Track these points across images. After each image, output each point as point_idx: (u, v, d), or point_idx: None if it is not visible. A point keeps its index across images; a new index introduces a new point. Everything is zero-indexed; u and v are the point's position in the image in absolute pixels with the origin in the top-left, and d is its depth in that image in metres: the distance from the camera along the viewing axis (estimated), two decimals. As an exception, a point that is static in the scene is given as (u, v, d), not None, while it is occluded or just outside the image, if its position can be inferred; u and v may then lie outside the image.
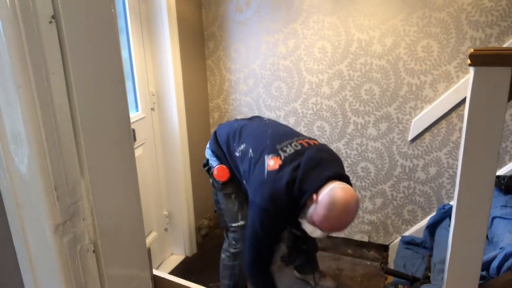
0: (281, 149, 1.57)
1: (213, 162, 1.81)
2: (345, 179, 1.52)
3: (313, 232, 1.51)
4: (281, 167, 1.51)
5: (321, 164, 1.52)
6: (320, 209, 1.43)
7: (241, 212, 1.81)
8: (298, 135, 1.68)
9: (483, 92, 0.93)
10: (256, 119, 1.87)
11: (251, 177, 1.60)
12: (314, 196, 1.44)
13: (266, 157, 1.56)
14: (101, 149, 0.58)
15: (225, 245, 1.91)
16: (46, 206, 0.52)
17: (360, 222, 2.45)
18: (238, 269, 1.88)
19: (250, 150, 1.63)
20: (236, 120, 1.90)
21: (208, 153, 1.85)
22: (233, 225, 1.82)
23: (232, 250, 1.86)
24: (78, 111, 0.53)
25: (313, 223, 1.49)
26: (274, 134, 1.65)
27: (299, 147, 1.58)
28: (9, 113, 0.49)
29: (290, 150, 1.56)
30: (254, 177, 1.59)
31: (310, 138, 1.68)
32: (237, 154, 1.69)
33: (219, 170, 1.76)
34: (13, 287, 0.60)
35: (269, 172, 1.53)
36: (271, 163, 1.53)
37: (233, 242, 1.85)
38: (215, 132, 1.86)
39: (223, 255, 1.92)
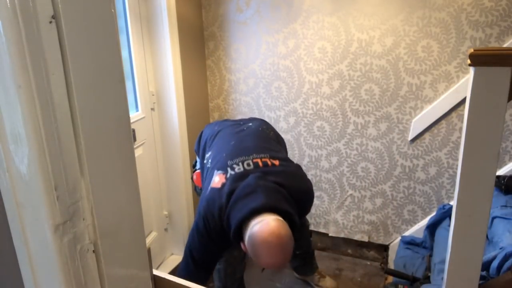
0: (231, 166, 1.42)
1: (197, 164, 1.77)
2: (284, 212, 1.29)
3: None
4: (223, 186, 1.37)
5: (254, 192, 1.30)
6: (247, 244, 1.25)
7: None
8: (261, 151, 1.49)
9: (483, 92, 0.93)
10: (234, 126, 1.73)
11: (203, 189, 1.52)
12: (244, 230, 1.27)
13: (215, 172, 1.44)
14: (101, 149, 0.58)
15: None
16: (46, 206, 0.52)
17: (360, 222, 2.45)
18: (223, 273, 1.83)
19: (210, 160, 1.54)
20: (222, 122, 1.83)
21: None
22: None
23: None
24: (78, 111, 0.53)
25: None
26: (233, 147, 1.51)
27: (250, 166, 1.40)
28: (9, 113, 0.49)
29: (238, 169, 1.40)
30: (203, 190, 1.49)
31: (274, 158, 1.47)
32: (204, 160, 1.62)
33: (198, 176, 1.72)
34: (13, 287, 0.60)
35: (212, 189, 1.39)
36: (216, 179, 1.40)
37: None
38: (201, 132, 1.84)
39: None
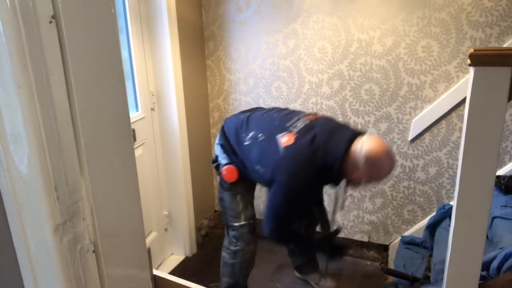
0: (291, 126, 1.58)
1: (223, 159, 1.79)
2: (362, 134, 1.53)
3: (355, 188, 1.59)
4: (297, 140, 1.52)
5: (335, 131, 1.53)
6: (363, 167, 1.43)
7: (244, 213, 1.82)
8: (302, 112, 1.71)
9: (483, 92, 0.93)
10: (259, 109, 1.88)
11: (264, 159, 1.60)
12: (348, 161, 1.46)
13: (278, 136, 1.57)
14: (101, 149, 0.58)
15: (225, 242, 1.91)
16: (46, 206, 0.52)
17: (360, 222, 2.45)
18: (238, 267, 1.88)
19: (260, 134, 1.63)
20: (241, 112, 1.90)
21: (217, 149, 1.83)
22: (235, 224, 1.83)
23: (232, 248, 1.86)
24: (78, 111, 0.53)
25: (357, 184, 1.53)
26: (281, 116, 1.67)
27: (308, 121, 1.59)
28: (9, 113, 0.49)
29: (300, 124, 1.57)
30: (268, 158, 1.58)
31: (314, 114, 1.70)
32: (246, 143, 1.68)
33: (228, 171, 1.76)
34: (13, 287, 0.59)
35: (286, 148, 1.52)
36: (285, 139, 1.54)
37: (234, 240, 1.85)
38: (222, 126, 1.85)
39: (223, 253, 1.92)
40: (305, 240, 1.91)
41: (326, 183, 1.65)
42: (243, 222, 1.81)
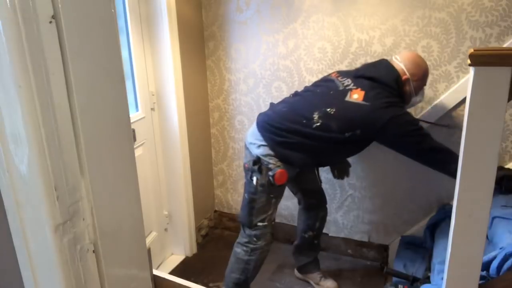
0: (345, 86, 1.73)
1: (271, 163, 1.76)
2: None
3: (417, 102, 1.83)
4: (364, 89, 1.67)
5: (372, 67, 1.79)
6: (412, 69, 1.73)
7: (272, 215, 1.85)
8: (325, 79, 1.89)
9: (483, 92, 0.93)
10: (284, 101, 1.93)
11: (351, 124, 1.67)
12: (404, 76, 1.72)
13: (347, 99, 1.68)
14: (101, 149, 0.58)
15: (242, 239, 1.90)
16: (46, 206, 0.52)
17: (360, 222, 2.45)
18: (253, 264, 1.88)
19: (328, 109, 1.69)
20: (270, 109, 1.89)
21: (262, 150, 1.78)
22: (259, 224, 1.83)
23: (251, 246, 1.86)
24: (78, 111, 0.53)
25: (420, 89, 1.79)
26: (321, 89, 1.80)
27: (346, 75, 1.80)
28: (9, 113, 0.49)
29: (347, 81, 1.75)
30: (355, 120, 1.66)
31: (328, 74, 1.91)
32: (317, 124, 1.70)
33: (281, 175, 1.74)
34: (13, 287, 0.60)
35: (366, 100, 1.64)
36: (356, 96, 1.67)
37: (254, 238, 1.85)
38: (266, 126, 1.80)
39: (238, 249, 1.91)
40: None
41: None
42: (267, 223, 1.84)
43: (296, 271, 2.30)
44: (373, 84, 1.69)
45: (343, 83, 1.75)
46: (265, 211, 1.82)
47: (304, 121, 1.71)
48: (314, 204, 2.17)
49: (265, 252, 1.89)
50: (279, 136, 1.75)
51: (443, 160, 1.68)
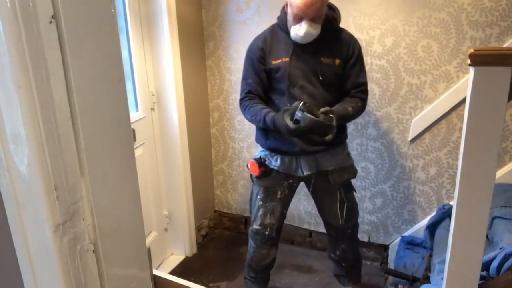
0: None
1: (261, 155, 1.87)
2: None
3: (299, 30, 1.64)
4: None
5: None
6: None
7: (265, 219, 1.88)
8: None
9: (483, 92, 0.93)
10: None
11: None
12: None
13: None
14: (101, 149, 0.58)
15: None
16: (46, 206, 0.52)
17: (360, 222, 2.44)
18: (249, 257, 2.00)
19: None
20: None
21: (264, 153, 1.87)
22: (254, 226, 1.91)
23: (250, 241, 1.98)
24: (78, 111, 0.53)
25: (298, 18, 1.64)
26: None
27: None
28: (9, 113, 0.49)
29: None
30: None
31: None
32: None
33: (252, 165, 1.81)
34: (13, 287, 0.60)
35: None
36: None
37: (250, 238, 1.97)
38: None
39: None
40: None
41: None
42: (259, 227, 1.91)
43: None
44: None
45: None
46: (257, 209, 1.87)
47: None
48: (330, 234, 2.03)
49: (258, 255, 1.94)
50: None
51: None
